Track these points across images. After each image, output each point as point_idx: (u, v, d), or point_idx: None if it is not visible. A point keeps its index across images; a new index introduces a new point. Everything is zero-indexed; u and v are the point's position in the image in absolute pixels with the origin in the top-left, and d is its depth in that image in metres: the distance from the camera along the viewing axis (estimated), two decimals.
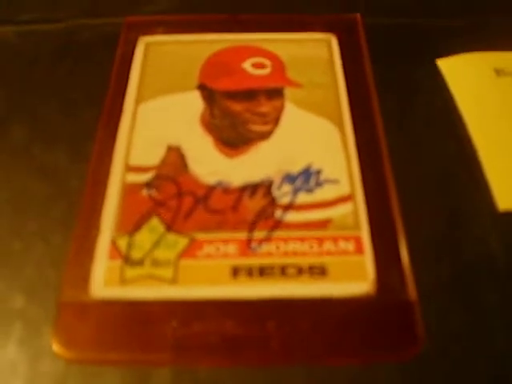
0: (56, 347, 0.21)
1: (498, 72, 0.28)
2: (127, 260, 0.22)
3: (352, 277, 0.22)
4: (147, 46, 0.29)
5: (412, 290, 0.22)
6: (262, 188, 0.24)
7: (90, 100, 0.27)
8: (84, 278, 0.22)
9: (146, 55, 0.29)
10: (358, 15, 0.30)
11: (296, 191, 0.24)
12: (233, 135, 0.26)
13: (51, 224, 0.24)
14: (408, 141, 0.26)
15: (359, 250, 0.23)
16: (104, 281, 0.22)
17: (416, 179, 0.25)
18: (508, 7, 0.31)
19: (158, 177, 0.25)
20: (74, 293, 0.22)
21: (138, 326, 0.21)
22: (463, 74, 0.28)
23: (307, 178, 0.24)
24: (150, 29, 0.30)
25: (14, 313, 0.22)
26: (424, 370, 0.21)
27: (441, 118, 0.27)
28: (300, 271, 0.22)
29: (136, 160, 0.25)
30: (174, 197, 0.24)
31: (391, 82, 0.28)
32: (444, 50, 0.29)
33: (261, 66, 0.28)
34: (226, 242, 0.23)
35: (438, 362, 0.21)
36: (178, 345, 0.21)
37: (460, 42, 0.29)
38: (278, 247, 0.23)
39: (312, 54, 0.29)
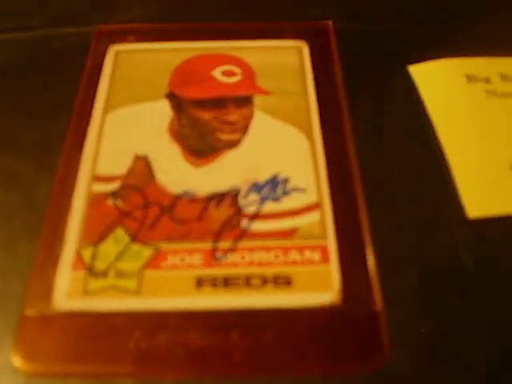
0: (17, 361, 0.21)
1: (470, 78, 0.28)
2: (91, 271, 0.22)
3: (317, 287, 0.22)
4: (117, 54, 0.29)
5: (378, 300, 0.22)
6: (228, 197, 0.24)
7: (60, 110, 0.27)
8: (47, 290, 0.22)
9: (115, 64, 0.29)
10: (330, 22, 0.30)
11: (263, 200, 0.24)
12: (200, 144, 0.26)
13: (16, 234, 0.24)
14: (378, 149, 0.26)
15: (325, 259, 0.22)
16: (67, 292, 0.22)
17: (385, 187, 0.25)
18: (479, 14, 0.31)
19: (124, 187, 0.24)
20: (37, 305, 0.22)
21: (101, 338, 0.21)
22: (435, 80, 0.28)
23: (274, 186, 0.24)
24: (120, 37, 0.30)
25: None
26: (390, 380, 0.21)
27: (412, 125, 0.27)
28: (265, 281, 0.22)
29: (103, 170, 0.25)
30: (140, 207, 0.24)
31: (363, 88, 0.28)
32: (415, 57, 0.29)
33: (230, 73, 0.28)
34: (190, 252, 0.23)
35: (403, 372, 0.21)
36: (141, 356, 0.21)
37: (431, 48, 0.29)
38: (243, 257, 0.22)
39: (283, 62, 0.29)
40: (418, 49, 0.29)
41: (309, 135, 0.26)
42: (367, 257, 0.23)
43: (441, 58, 0.29)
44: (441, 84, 0.28)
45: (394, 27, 0.30)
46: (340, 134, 0.26)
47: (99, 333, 0.21)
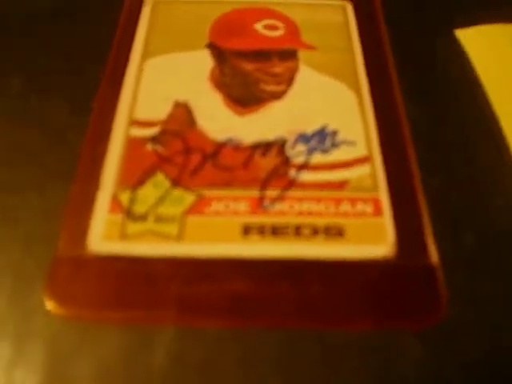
0: (49, 304, 0.19)
1: None
2: (129, 214, 0.21)
3: (370, 239, 0.21)
4: (155, 3, 0.28)
5: (434, 254, 0.20)
6: (274, 147, 0.23)
7: (94, 56, 0.26)
8: (82, 232, 0.21)
9: (153, 13, 0.27)
10: None
11: (311, 151, 0.23)
12: (244, 94, 0.24)
13: (48, 176, 0.23)
14: (427, 107, 0.25)
15: (378, 212, 0.21)
16: (103, 235, 0.20)
17: (435, 144, 0.24)
18: None
19: (163, 132, 0.23)
20: (71, 247, 0.20)
21: (140, 283, 0.20)
22: (484, 44, 0.27)
23: (322, 138, 0.23)
24: None
25: (5, 267, 0.21)
26: (445, 336, 0.19)
27: (460, 86, 0.26)
28: (315, 232, 0.21)
29: (141, 114, 0.24)
30: (181, 153, 0.23)
31: (408, 50, 0.27)
32: (462, 21, 0.28)
33: (273, 27, 0.27)
34: (236, 199, 0.21)
35: (460, 329, 0.20)
36: (183, 304, 0.19)
37: (478, 12, 0.28)
38: (291, 206, 0.21)
39: (327, 19, 0.28)
40: (465, 14, 0.28)
41: (356, 90, 0.25)
42: (421, 211, 0.21)
43: (488, 23, 0.28)
44: (491, 49, 0.27)
45: None
46: (388, 90, 0.25)
47: (138, 278, 0.20)
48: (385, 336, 0.20)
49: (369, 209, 0.21)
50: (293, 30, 0.27)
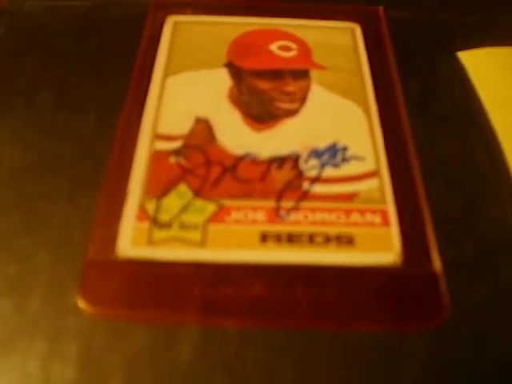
0: (81, 303, 0.21)
1: None
2: (155, 222, 0.23)
3: (379, 247, 0.22)
4: (175, 24, 0.30)
5: (437, 262, 0.22)
6: (289, 161, 0.24)
7: (118, 73, 0.27)
8: (111, 238, 0.22)
9: (174, 33, 0.29)
10: (381, 7, 0.31)
11: (323, 165, 0.24)
12: (260, 111, 0.26)
13: (78, 186, 0.24)
14: (431, 126, 0.27)
15: (385, 222, 0.23)
16: (132, 241, 0.22)
17: (438, 161, 0.26)
18: None
19: (186, 146, 0.25)
20: (101, 251, 0.22)
21: (166, 285, 0.21)
22: (485, 66, 0.29)
23: (334, 153, 0.25)
24: (177, 9, 0.30)
25: (39, 270, 0.22)
26: (448, 338, 0.21)
27: (462, 107, 0.28)
28: (328, 240, 0.22)
29: (164, 129, 0.25)
30: (202, 165, 0.24)
31: (413, 71, 0.29)
32: (463, 45, 0.30)
33: (287, 48, 0.28)
34: (254, 209, 0.23)
35: (462, 332, 0.21)
36: (205, 305, 0.21)
37: (479, 38, 0.30)
38: (305, 216, 0.23)
39: (337, 41, 0.29)
40: (466, 39, 0.30)
41: (365, 109, 0.26)
42: (425, 222, 0.23)
43: (488, 46, 0.30)
44: (491, 70, 0.29)
45: (441, 16, 0.31)
46: (395, 109, 0.27)
47: (164, 280, 0.21)
48: (392, 337, 0.21)
49: (377, 219, 0.23)
50: (305, 50, 0.29)
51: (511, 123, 0.27)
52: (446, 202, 0.24)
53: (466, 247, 0.23)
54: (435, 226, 0.23)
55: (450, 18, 0.31)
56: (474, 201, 0.25)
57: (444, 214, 0.24)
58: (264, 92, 0.27)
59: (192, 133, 0.25)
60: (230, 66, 0.28)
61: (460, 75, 0.29)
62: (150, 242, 0.22)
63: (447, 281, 0.22)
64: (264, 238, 0.22)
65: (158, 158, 0.24)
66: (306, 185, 0.24)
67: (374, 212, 0.23)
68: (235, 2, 0.31)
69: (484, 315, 0.22)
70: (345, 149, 0.25)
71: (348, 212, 0.23)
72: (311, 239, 0.22)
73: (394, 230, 0.23)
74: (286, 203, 0.23)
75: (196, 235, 0.22)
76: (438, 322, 0.21)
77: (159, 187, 0.24)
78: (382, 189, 0.24)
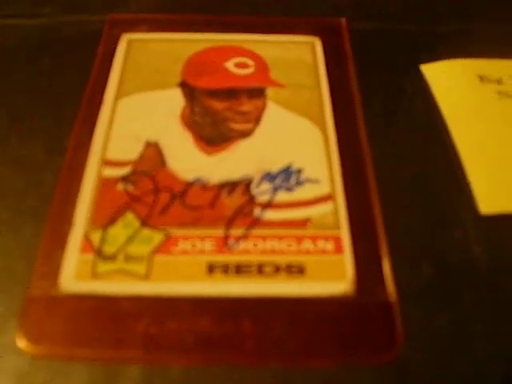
0: (21, 342, 0.20)
1: (482, 78, 0.28)
2: (100, 254, 0.22)
3: (330, 276, 0.21)
4: (130, 42, 0.29)
5: (392, 291, 0.21)
6: (240, 186, 0.24)
7: (71, 95, 0.27)
8: (54, 272, 0.21)
9: (128, 52, 0.28)
10: (343, 20, 0.30)
11: (275, 190, 0.24)
12: (213, 132, 0.25)
13: (23, 216, 0.23)
14: (391, 143, 0.26)
15: (338, 249, 0.22)
16: (75, 274, 0.21)
17: (398, 181, 0.25)
18: (491, 15, 0.31)
19: (134, 172, 0.24)
20: (43, 286, 0.21)
21: (109, 321, 0.21)
22: (447, 79, 0.28)
23: (287, 176, 0.24)
24: (133, 26, 0.30)
25: None
26: (402, 371, 0.20)
27: (424, 122, 0.27)
28: (277, 269, 0.21)
29: (113, 154, 0.25)
30: (151, 192, 0.23)
31: (374, 86, 0.28)
32: (427, 57, 0.29)
33: (244, 65, 0.27)
34: (202, 238, 0.22)
35: (416, 364, 0.20)
36: (149, 342, 0.20)
37: (443, 48, 0.29)
38: (255, 245, 0.22)
39: (296, 57, 0.29)
40: (430, 49, 0.29)
41: (322, 128, 0.26)
42: (381, 248, 0.22)
43: (452, 59, 0.29)
44: (453, 83, 0.28)
45: (405, 27, 0.30)
46: (353, 128, 0.26)
47: (107, 316, 0.21)
48: (343, 372, 0.20)
49: (329, 246, 0.22)
50: (262, 67, 0.28)
51: (474, 141, 0.26)
52: (405, 226, 0.24)
53: (425, 272, 0.22)
54: (392, 251, 0.22)
55: (416, 28, 0.30)
56: (435, 223, 0.24)
57: (402, 239, 0.23)
58: (217, 112, 0.26)
59: (141, 158, 0.25)
60: (184, 85, 0.27)
61: (423, 89, 0.28)
62: (94, 274, 0.21)
63: (402, 310, 0.21)
64: (211, 269, 0.21)
65: (105, 185, 0.24)
66: (257, 211, 0.23)
67: (326, 239, 0.22)
68: (193, 17, 0.30)
69: (441, 346, 0.21)
70: (299, 171, 0.24)
71: (299, 239, 0.22)
72: (260, 269, 0.21)
73: (348, 257, 0.22)
74: (236, 231, 0.22)
75: (141, 267, 0.21)
76: (391, 354, 0.20)
77: (105, 216, 0.23)
78: (336, 213, 0.23)
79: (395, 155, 0.26)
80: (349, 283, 0.21)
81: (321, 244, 0.22)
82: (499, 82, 0.28)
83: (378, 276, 0.22)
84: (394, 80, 0.28)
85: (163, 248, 0.22)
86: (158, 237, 0.22)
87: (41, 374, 0.20)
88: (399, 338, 0.20)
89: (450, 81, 0.28)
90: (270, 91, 0.27)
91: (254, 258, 0.22)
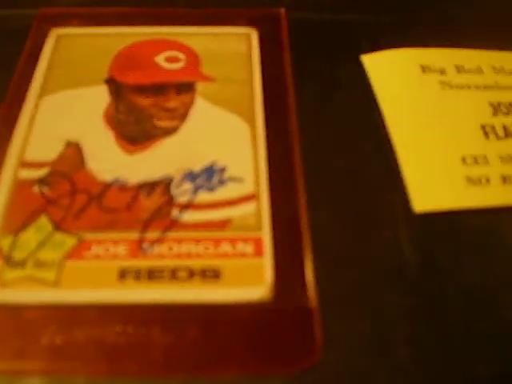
0: None
1: (424, 69, 0.27)
2: (8, 261, 0.21)
3: (248, 281, 0.20)
4: (58, 38, 0.28)
5: (312, 296, 0.20)
6: (160, 186, 0.23)
7: None
8: None
9: (56, 47, 0.27)
10: (283, 10, 0.29)
11: (196, 189, 0.22)
12: (136, 131, 0.24)
13: None
14: (324, 139, 0.25)
15: (258, 252, 0.21)
16: None
17: (327, 179, 0.23)
18: (433, 4, 0.30)
19: (52, 173, 0.23)
20: None
21: (14, 332, 0.20)
22: (387, 70, 0.27)
23: (210, 175, 0.23)
24: (63, 21, 0.28)
25: None
26: (320, 380, 0.19)
27: (360, 116, 0.25)
28: (192, 274, 0.20)
29: (31, 155, 0.24)
30: (67, 194, 0.22)
31: (311, 78, 0.27)
32: (368, 47, 0.28)
33: (174, 59, 0.26)
34: (115, 242, 0.21)
35: (336, 373, 0.19)
36: (54, 353, 0.19)
37: (385, 39, 0.28)
38: (170, 248, 0.21)
39: (230, 49, 0.27)
40: (371, 39, 0.28)
41: (251, 124, 0.24)
42: (304, 252, 0.21)
43: (394, 49, 0.27)
44: (393, 74, 0.27)
45: (346, 17, 0.29)
46: (284, 123, 0.25)
47: (12, 327, 0.20)
48: (259, 380, 0.19)
49: (249, 249, 0.21)
50: (193, 61, 0.26)
51: (410, 134, 0.25)
52: (332, 227, 0.22)
53: (349, 275, 0.21)
54: (316, 254, 0.21)
55: (358, 18, 0.29)
56: (364, 223, 0.23)
57: (328, 240, 0.22)
58: (142, 109, 0.25)
59: (60, 158, 0.24)
60: (111, 81, 0.26)
61: (362, 80, 0.27)
62: (1, 282, 0.20)
63: (324, 316, 0.20)
64: (122, 274, 0.20)
65: (21, 188, 0.23)
66: (175, 212, 0.22)
67: (246, 241, 0.21)
68: (125, 10, 0.29)
69: (362, 353, 0.20)
70: (223, 170, 0.23)
71: (217, 242, 0.21)
72: (174, 274, 0.20)
73: (268, 260, 0.21)
74: (151, 234, 0.21)
75: (51, 274, 0.21)
76: (309, 363, 0.19)
77: (18, 221, 0.22)
78: (258, 214, 0.22)
79: (327, 151, 0.24)
80: (267, 288, 0.20)
81: (240, 247, 0.21)
82: (442, 72, 0.26)
83: (298, 280, 0.21)
84: (331, 72, 0.27)
85: (75, 253, 0.21)
86: (70, 241, 0.21)
87: None
88: (318, 345, 0.19)
89: (390, 72, 0.27)
90: (200, 86, 0.26)
91: (169, 263, 0.21)
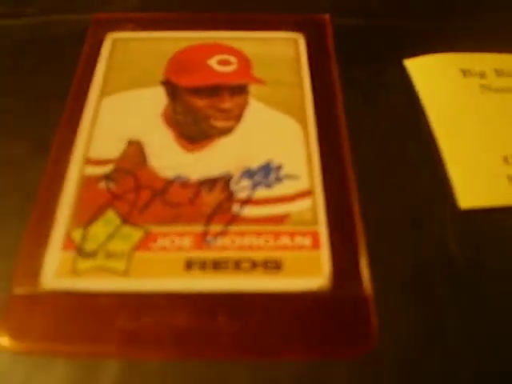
0: (3, 340, 0.20)
1: (465, 72, 0.28)
2: (80, 252, 0.22)
3: (307, 272, 0.22)
4: (114, 42, 0.29)
5: (367, 286, 0.21)
6: (220, 182, 0.24)
7: (55, 94, 0.27)
8: (36, 269, 0.22)
9: (112, 51, 0.29)
10: (327, 15, 0.30)
11: (255, 186, 0.24)
12: (194, 130, 0.26)
13: (7, 215, 0.24)
14: (371, 139, 0.26)
15: (316, 245, 0.22)
16: (56, 272, 0.22)
17: (378, 177, 0.25)
18: (474, 10, 0.31)
19: (116, 170, 0.24)
20: (25, 283, 0.22)
21: (88, 317, 0.21)
22: (430, 73, 0.28)
23: (267, 173, 0.24)
24: (118, 26, 0.30)
25: None
26: (377, 365, 0.20)
27: (405, 117, 0.27)
28: (254, 265, 0.22)
29: (96, 153, 0.25)
30: (132, 190, 0.24)
31: (357, 81, 0.28)
32: (411, 52, 0.29)
33: (226, 63, 0.28)
34: (181, 235, 0.22)
35: (391, 358, 0.21)
36: (127, 337, 0.21)
37: (427, 43, 0.29)
38: (233, 241, 0.22)
39: (279, 53, 0.29)
40: (414, 44, 0.29)
41: (303, 124, 0.26)
42: (358, 244, 0.22)
43: (435, 53, 0.29)
44: (436, 78, 0.28)
45: (389, 23, 0.30)
46: (334, 124, 0.26)
47: (86, 313, 0.21)
48: (319, 366, 0.21)
49: (307, 242, 0.22)
50: (245, 64, 0.28)
51: (454, 134, 0.26)
52: (383, 220, 0.24)
53: (401, 267, 0.23)
54: (370, 246, 0.23)
55: (398, 24, 0.30)
56: (414, 217, 0.24)
57: (380, 233, 0.23)
58: (199, 110, 0.26)
59: (123, 156, 0.25)
60: (167, 83, 0.27)
61: (406, 84, 0.28)
62: (75, 272, 0.22)
63: (378, 305, 0.21)
64: (189, 265, 0.22)
65: (87, 183, 0.24)
66: (235, 207, 0.23)
67: (304, 234, 0.22)
68: (177, 16, 0.30)
69: (415, 340, 0.21)
70: (279, 168, 0.24)
71: (277, 235, 0.22)
72: (237, 265, 0.22)
73: (325, 252, 0.22)
74: (214, 227, 0.23)
75: (120, 264, 0.22)
76: (366, 348, 0.20)
77: (87, 214, 0.23)
78: (314, 209, 0.23)
79: (376, 151, 0.26)
80: (325, 278, 0.22)
81: (298, 240, 0.22)
82: (482, 76, 0.28)
83: (354, 271, 0.22)
84: (376, 75, 0.28)
85: (143, 245, 0.22)
86: (137, 234, 0.23)
87: (22, 370, 0.20)
88: (374, 332, 0.21)
89: (432, 75, 0.28)
90: (252, 88, 0.27)
91: (232, 254, 0.22)
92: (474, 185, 0.24)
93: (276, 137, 0.25)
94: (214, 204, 0.23)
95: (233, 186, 0.24)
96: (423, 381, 0.20)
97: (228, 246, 0.22)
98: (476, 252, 0.23)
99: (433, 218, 0.24)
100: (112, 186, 0.24)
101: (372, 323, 0.21)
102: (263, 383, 0.20)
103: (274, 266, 0.22)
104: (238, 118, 0.26)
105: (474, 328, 0.21)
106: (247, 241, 0.22)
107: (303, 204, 0.23)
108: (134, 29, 0.30)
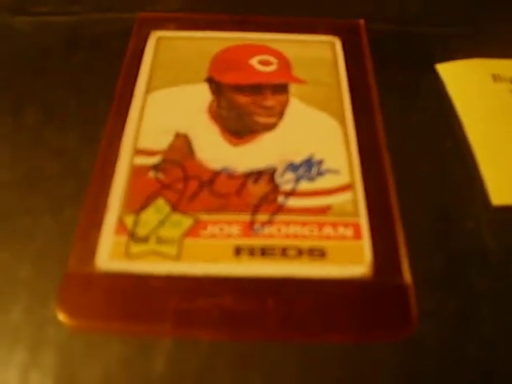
0: (61, 315, 0.22)
1: (495, 78, 0.29)
2: (133, 236, 0.23)
3: (350, 260, 0.23)
4: (159, 40, 0.30)
5: (407, 275, 0.23)
6: (265, 175, 0.25)
7: (102, 89, 0.28)
8: (90, 251, 0.23)
9: (157, 48, 0.30)
10: (362, 21, 0.31)
11: (298, 179, 0.25)
12: (239, 125, 0.27)
13: (61, 201, 0.25)
14: (406, 138, 0.27)
15: (357, 235, 0.23)
16: (110, 254, 0.23)
17: (413, 173, 0.26)
18: (505, 16, 0.32)
19: (165, 161, 0.26)
20: (80, 264, 0.23)
21: (142, 298, 0.22)
22: (462, 78, 0.30)
23: (309, 167, 0.25)
24: (161, 25, 0.31)
25: (20, 282, 0.23)
26: (415, 350, 0.22)
27: (439, 118, 0.28)
28: (300, 253, 0.23)
29: (144, 144, 0.26)
30: (180, 180, 0.25)
31: (391, 84, 0.29)
32: (443, 57, 0.30)
33: (267, 63, 0.29)
34: (229, 223, 0.24)
35: (429, 344, 0.22)
36: (179, 317, 0.22)
37: (458, 49, 0.31)
38: (279, 230, 0.23)
39: (317, 55, 0.30)
40: (445, 50, 0.31)
41: (342, 122, 0.27)
42: (397, 234, 0.24)
43: (467, 59, 0.30)
44: (467, 82, 0.29)
45: (421, 29, 0.32)
46: (371, 122, 0.27)
47: (140, 293, 0.22)
48: (361, 349, 0.22)
49: (349, 232, 0.23)
50: (285, 64, 0.29)
51: (486, 136, 0.27)
52: (420, 215, 0.25)
53: (438, 259, 0.24)
54: (408, 238, 0.24)
55: (431, 29, 0.32)
56: (448, 213, 0.25)
57: (417, 227, 0.24)
58: (243, 106, 0.27)
59: (171, 148, 0.26)
60: (211, 81, 0.28)
61: (438, 88, 0.29)
62: (128, 255, 0.23)
63: (417, 293, 0.22)
64: (238, 251, 0.23)
65: (137, 172, 0.25)
66: (280, 198, 0.24)
67: (346, 225, 0.24)
68: (218, 17, 0.32)
69: (452, 327, 0.22)
70: (320, 162, 0.26)
71: (321, 225, 0.24)
72: (284, 252, 0.23)
73: (366, 242, 0.23)
74: (261, 217, 0.24)
75: (172, 249, 0.23)
76: (406, 333, 0.22)
77: (138, 202, 0.24)
78: (355, 202, 0.24)
79: (410, 149, 0.27)
80: (367, 267, 0.23)
81: (341, 230, 0.24)
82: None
83: (394, 260, 0.23)
84: (409, 79, 0.30)
85: (193, 231, 0.23)
86: (187, 221, 0.24)
87: (79, 345, 0.21)
88: (413, 318, 0.22)
89: (464, 80, 0.29)
90: (293, 87, 0.28)
91: (278, 242, 0.23)
92: (505, 183, 0.26)
93: (316, 134, 0.27)
94: (259, 195, 0.24)
95: (277, 179, 0.25)
96: (460, 366, 0.21)
97: (274, 234, 0.23)
98: (509, 245, 0.24)
99: (467, 213, 0.25)
100: (160, 175, 0.25)
101: (412, 310, 0.22)
102: (310, 365, 0.21)
103: (318, 254, 0.23)
104: (280, 115, 0.27)
105: (507, 316, 0.22)
106: (292, 230, 0.23)
107: (344, 197, 0.25)
108: (176, 28, 0.31)
